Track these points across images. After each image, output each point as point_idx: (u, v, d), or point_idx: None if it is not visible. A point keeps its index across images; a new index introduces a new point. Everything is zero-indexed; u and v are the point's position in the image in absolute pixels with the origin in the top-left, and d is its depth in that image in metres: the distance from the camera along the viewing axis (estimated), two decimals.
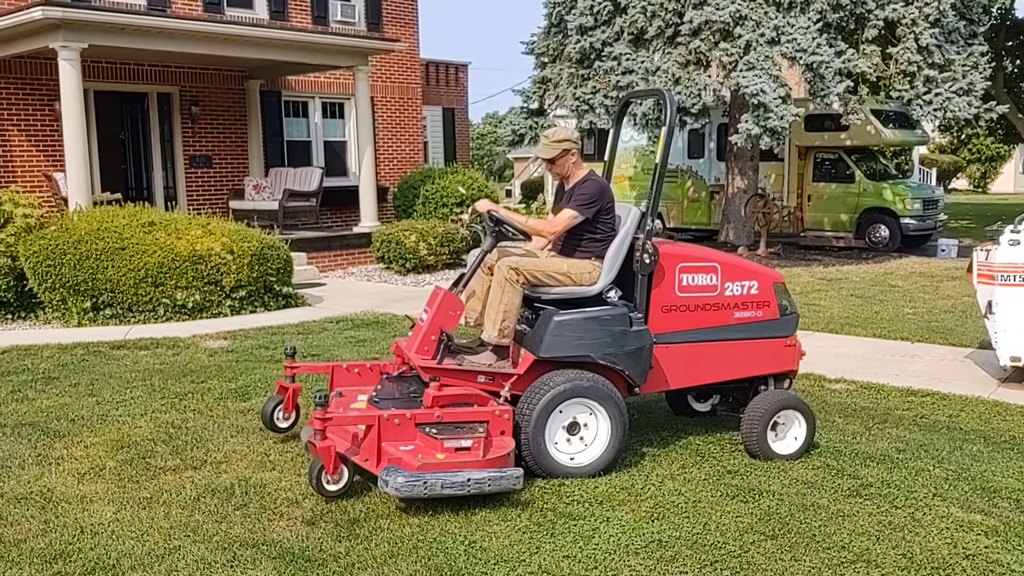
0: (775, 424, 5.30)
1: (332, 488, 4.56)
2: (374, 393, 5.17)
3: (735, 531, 4.29)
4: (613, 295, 5.16)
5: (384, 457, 4.59)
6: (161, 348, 8.56)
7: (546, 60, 16.94)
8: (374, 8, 17.87)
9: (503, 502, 4.60)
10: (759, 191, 17.45)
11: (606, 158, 6.35)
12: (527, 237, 5.36)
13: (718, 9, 13.94)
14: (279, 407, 5.64)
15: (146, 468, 5.17)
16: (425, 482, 4.32)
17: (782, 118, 13.54)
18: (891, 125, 17.66)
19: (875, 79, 15.01)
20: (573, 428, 4.98)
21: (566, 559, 3.99)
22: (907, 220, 17.52)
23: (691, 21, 14.22)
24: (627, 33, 15.12)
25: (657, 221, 21.40)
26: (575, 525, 4.34)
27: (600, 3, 15.35)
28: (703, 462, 5.27)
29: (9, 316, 10.27)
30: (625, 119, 17.07)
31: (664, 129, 5.21)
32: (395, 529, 4.28)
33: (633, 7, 14.92)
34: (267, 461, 5.26)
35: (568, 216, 5.22)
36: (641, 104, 15.17)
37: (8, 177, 13.37)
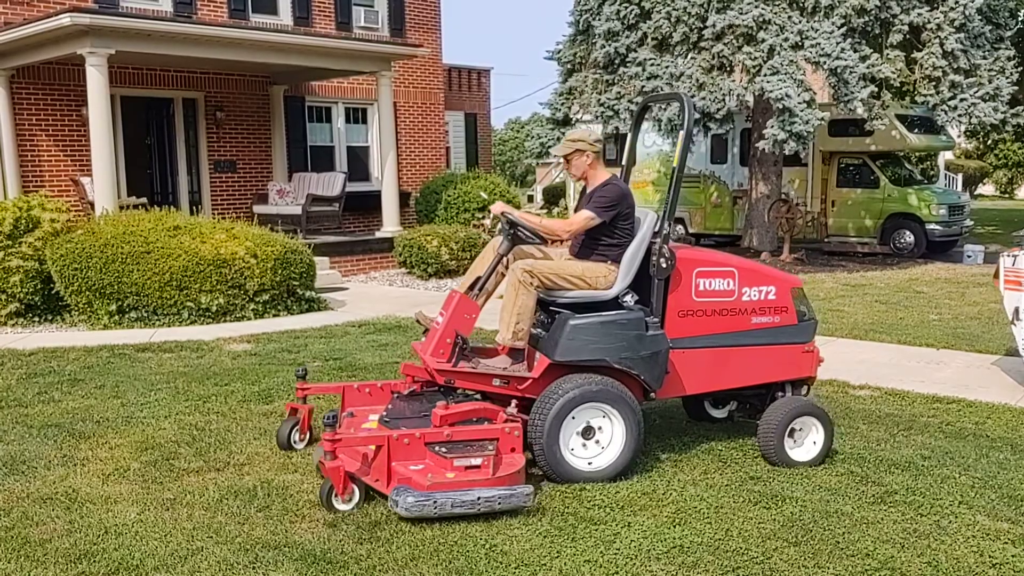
0: (792, 431, 5.26)
1: (343, 507, 4.54)
2: (385, 412, 5.15)
3: (758, 537, 4.26)
4: (629, 299, 5.13)
5: (394, 477, 4.58)
6: (185, 351, 8.63)
7: (571, 68, 16.95)
8: (397, 14, 17.96)
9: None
10: (783, 196, 17.36)
11: (624, 162, 6.32)
12: (541, 239, 5.31)
13: (741, 13, 13.90)
14: (295, 429, 5.58)
15: (170, 470, 5.21)
16: (435, 501, 4.30)
17: (807, 122, 13.47)
18: (916, 130, 17.51)
19: (899, 84, 14.90)
20: (588, 432, 4.95)
21: (587, 564, 3.98)
22: (932, 226, 17.37)
23: (714, 25, 14.18)
24: (651, 38, 15.11)
25: (678, 226, 21.40)
26: (596, 530, 4.33)
27: (627, 7, 15.35)
28: (725, 468, 5.24)
29: (36, 319, 10.38)
30: (649, 124, 17.18)
31: (682, 133, 5.17)
32: (416, 532, 4.29)
33: (657, 12, 14.91)
34: (289, 464, 5.29)
35: (584, 217, 5.20)
36: (665, 109, 15.14)
37: (36, 181, 13.54)
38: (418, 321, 5.50)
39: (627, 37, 15.41)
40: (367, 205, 16.84)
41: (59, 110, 13.79)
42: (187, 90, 15.31)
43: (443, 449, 4.63)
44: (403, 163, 18.07)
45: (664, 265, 5.07)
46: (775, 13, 13.95)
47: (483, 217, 15.83)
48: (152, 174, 15.91)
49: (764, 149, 14.66)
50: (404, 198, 17.16)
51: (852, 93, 13.84)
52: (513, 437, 4.76)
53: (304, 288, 11.11)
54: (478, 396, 5.22)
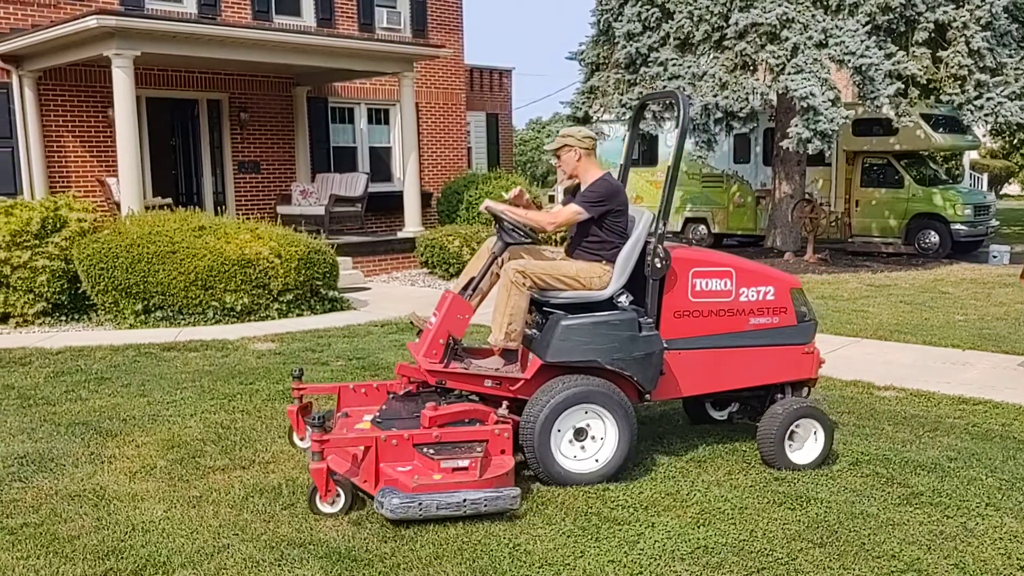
0: (792, 433, 5.18)
1: (328, 510, 4.49)
2: (378, 413, 5.10)
3: (782, 538, 4.24)
4: (624, 300, 5.07)
5: (382, 478, 4.55)
6: (210, 350, 8.69)
7: (593, 68, 16.94)
8: (419, 15, 18.00)
9: (547, 506, 4.61)
10: (806, 196, 17.27)
11: (621, 160, 6.23)
12: (527, 232, 5.19)
13: (764, 12, 13.84)
14: (293, 432, 5.59)
15: (196, 467, 5.26)
16: (420, 503, 4.28)
17: (832, 121, 13.39)
18: (941, 129, 17.37)
19: (925, 82, 14.78)
20: (580, 434, 4.90)
21: (611, 564, 3.98)
22: (958, 226, 17.22)
23: (737, 24, 14.13)
24: (673, 38, 15.07)
25: (701, 226, 21.35)
26: (620, 530, 4.33)
27: (648, 9, 15.31)
28: (749, 468, 5.22)
29: (63, 318, 10.49)
30: (672, 123, 17.12)
31: (678, 131, 5.10)
32: (440, 531, 4.30)
33: (680, 12, 14.86)
34: None
35: (571, 210, 5.15)
36: (689, 109, 15.09)
37: (63, 182, 13.68)
38: (412, 323, 5.46)
39: (648, 37, 15.39)
40: (389, 205, 16.90)
41: (85, 111, 13.93)
42: (212, 91, 15.42)
43: (431, 451, 4.59)
44: (425, 164, 18.11)
45: (659, 265, 5.00)
46: (799, 11, 13.87)
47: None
48: (177, 175, 16.05)
49: (788, 148, 14.60)
50: (426, 198, 17.20)
51: (878, 91, 13.76)
52: (503, 439, 4.71)
53: (327, 288, 11.17)
54: (475, 397, 5.17)
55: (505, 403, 4.98)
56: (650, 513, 4.54)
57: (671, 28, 15.05)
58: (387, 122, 18.03)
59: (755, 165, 19.39)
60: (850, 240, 18.41)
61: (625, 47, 15.53)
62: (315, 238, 11.53)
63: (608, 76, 16.46)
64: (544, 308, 5.17)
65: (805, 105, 13.44)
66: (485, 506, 4.36)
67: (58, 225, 10.49)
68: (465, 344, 5.28)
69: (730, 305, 5.21)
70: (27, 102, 13.25)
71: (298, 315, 10.64)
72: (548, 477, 4.84)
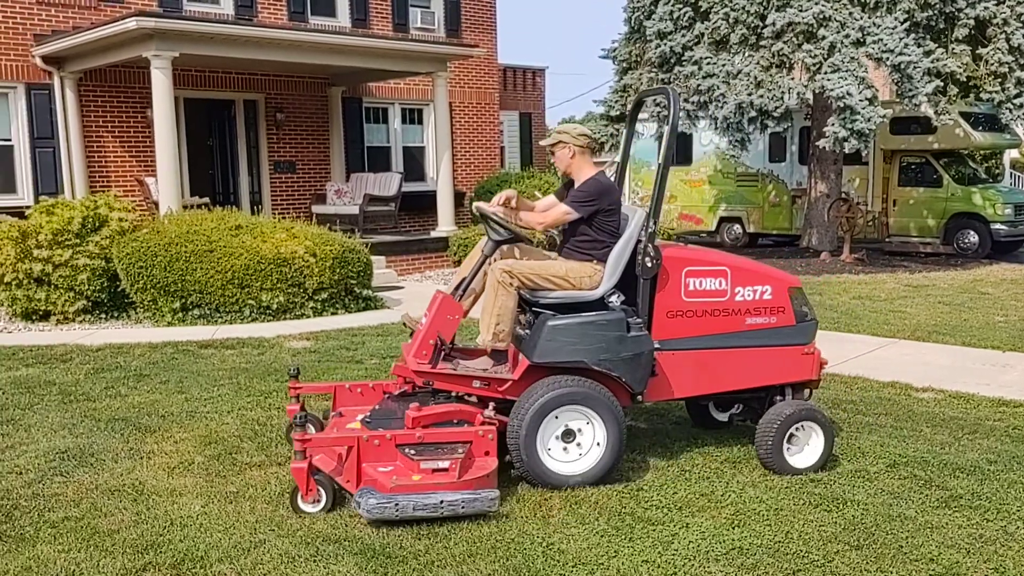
0: (791, 436, 5.08)
1: (309, 509, 4.49)
2: (369, 413, 5.08)
3: (818, 540, 4.21)
4: (615, 300, 5.01)
5: (363, 478, 4.54)
6: (247, 348, 8.78)
7: (626, 66, 16.89)
8: (453, 14, 18.05)
9: (581, 505, 4.60)
10: (843, 195, 17.09)
11: (619, 158, 6.17)
12: (514, 232, 5.15)
13: (801, 11, 13.71)
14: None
15: (232, 463, 5.32)
16: (396, 504, 4.26)
17: (869, 120, 13.25)
18: (981, 128, 17.11)
19: (965, 79, 14.57)
20: (568, 436, 4.84)
21: (645, 564, 3.97)
22: (998, 226, 16.96)
23: (774, 23, 14.02)
24: (708, 38, 14.98)
25: (736, 225, 21.21)
26: (654, 530, 4.31)
27: (680, 8, 15.24)
28: None
29: (103, 315, 10.64)
30: (706, 122, 17.03)
31: (667, 128, 5.02)
32: (473, 529, 4.32)
33: (715, 12, 14.77)
34: None
35: (561, 210, 5.13)
36: (722, 107, 14.99)
37: (103, 181, 13.89)
38: (404, 324, 5.46)
39: (682, 36, 15.31)
40: (422, 205, 16.97)
41: (125, 112, 14.13)
42: (248, 92, 15.58)
43: (412, 451, 4.58)
44: (458, 163, 18.16)
45: (649, 264, 4.93)
46: (836, 9, 13.74)
47: None
48: (214, 174, 16.22)
49: (824, 147, 14.46)
50: (459, 198, 17.24)
51: (916, 89, 13.59)
52: (487, 440, 4.67)
53: (361, 287, 11.23)
54: (474, 399, 5.12)
55: (492, 404, 4.96)
56: (684, 514, 4.52)
57: (706, 29, 14.96)
58: (421, 122, 18.10)
59: (791, 164, 19.22)
60: (887, 240, 18.20)
61: (658, 46, 15.47)
62: (349, 237, 11.60)
63: (641, 75, 16.40)
64: (535, 308, 5.13)
65: (842, 105, 13.31)
66: (462, 508, 4.33)
67: (98, 224, 10.64)
68: (462, 344, 5.28)
69: (725, 305, 5.11)
70: (68, 103, 13.47)
71: (332, 314, 10.72)
72: (534, 479, 4.79)
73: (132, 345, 8.93)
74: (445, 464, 4.50)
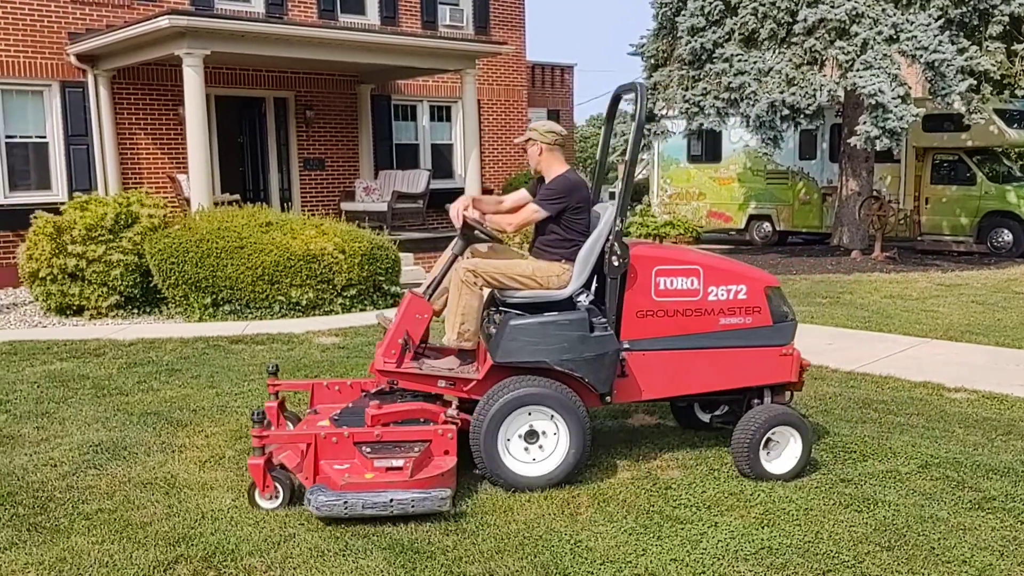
0: (768, 441, 4.97)
1: (267, 505, 4.52)
2: (340, 411, 5.06)
3: (849, 541, 4.17)
4: (584, 299, 4.96)
5: (319, 475, 4.54)
6: (276, 343, 8.85)
7: (655, 63, 16.80)
8: (482, 11, 18.07)
9: (609, 503, 4.60)
10: (874, 193, 16.92)
11: (597, 155, 6.10)
12: (488, 233, 5.13)
13: (833, 7, 13.59)
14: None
15: None
16: (346, 502, 4.25)
17: (901, 118, 13.10)
18: (1015, 125, 16.87)
19: (1000, 77, 14.37)
20: (531, 437, 4.80)
21: (673, 562, 3.96)
22: None
23: (805, 20, 13.91)
24: (738, 34, 14.88)
25: (765, 223, 21.01)
26: (682, 529, 4.30)
27: (711, 3, 15.15)
28: (814, 470, 5.13)
29: (135, 311, 10.77)
30: (736, 120, 16.92)
31: (634, 124, 4.96)
32: (502, 525, 4.33)
33: (744, 7, 14.67)
34: None
35: (529, 210, 5.09)
36: (754, 105, 14.88)
37: (135, 178, 14.05)
38: (379, 324, 5.44)
39: (713, 32, 15.22)
40: (450, 202, 16.93)
41: (157, 109, 14.28)
42: (278, 90, 15.69)
43: (368, 449, 4.57)
44: (486, 160, 18.18)
45: (616, 263, 4.85)
46: (868, 6, 13.60)
47: None
48: (245, 171, 16.36)
49: (855, 145, 14.32)
50: (487, 195, 17.24)
51: (950, 87, 13.43)
52: (446, 439, 4.65)
53: (389, 283, 11.28)
54: (456, 399, 5.09)
55: (455, 403, 4.94)
56: (713, 512, 4.50)
57: (735, 24, 14.86)
58: (449, 119, 18.14)
59: (821, 161, 19.07)
60: (919, 238, 18.00)
61: (689, 42, 15.38)
62: (378, 234, 11.65)
63: (671, 72, 16.31)
64: (502, 308, 5.09)
65: (874, 102, 13.17)
66: (412, 507, 4.30)
67: (131, 220, 10.77)
68: (439, 344, 5.27)
69: (697, 304, 5.00)
70: (102, 101, 13.63)
71: (361, 310, 10.77)
72: (496, 480, 4.76)
73: (164, 340, 9.02)
74: (399, 463, 4.48)
